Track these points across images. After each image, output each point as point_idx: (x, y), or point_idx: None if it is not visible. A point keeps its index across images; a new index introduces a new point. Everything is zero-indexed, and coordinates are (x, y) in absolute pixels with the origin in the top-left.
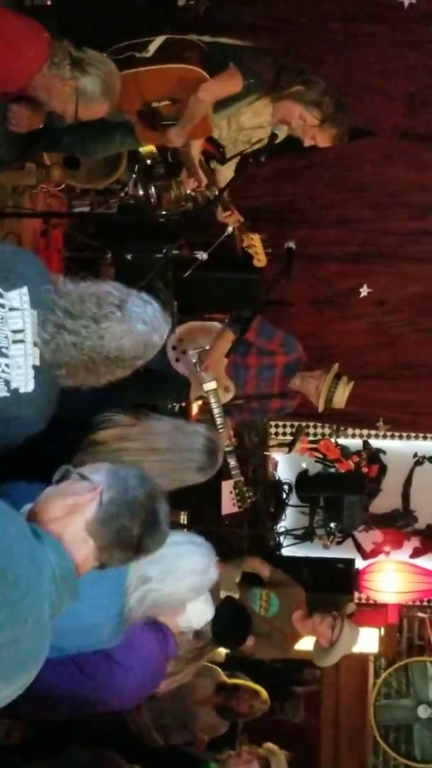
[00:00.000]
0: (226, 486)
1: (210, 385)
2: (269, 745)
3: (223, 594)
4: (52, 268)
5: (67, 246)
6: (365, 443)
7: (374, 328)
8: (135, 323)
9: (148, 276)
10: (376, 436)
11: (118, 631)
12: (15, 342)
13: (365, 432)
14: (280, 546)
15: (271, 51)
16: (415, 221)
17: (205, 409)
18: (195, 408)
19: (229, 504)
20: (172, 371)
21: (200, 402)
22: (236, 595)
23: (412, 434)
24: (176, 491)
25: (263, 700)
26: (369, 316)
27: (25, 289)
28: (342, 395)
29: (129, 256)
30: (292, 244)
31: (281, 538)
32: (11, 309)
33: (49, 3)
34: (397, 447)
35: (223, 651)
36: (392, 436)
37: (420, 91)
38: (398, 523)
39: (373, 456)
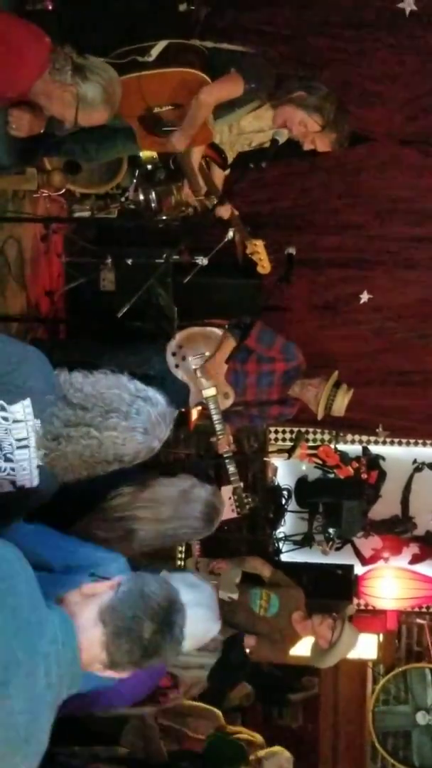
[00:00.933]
0: (225, 492)
1: (209, 392)
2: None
3: (221, 594)
4: (52, 273)
5: (67, 251)
6: (365, 449)
7: (374, 334)
8: (136, 433)
9: (148, 281)
10: (376, 443)
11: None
12: (20, 448)
13: (365, 438)
14: (279, 552)
15: (272, 57)
16: (416, 227)
17: (205, 414)
18: (194, 414)
19: (228, 510)
20: (171, 377)
21: (200, 408)
22: (235, 596)
23: (412, 440)
24: None
25: (259, 746)
26: (369, 322)
27: (27, 401)
28: (341, 403)
29: (129, 261)
30: (292, 250)
31: (280, 544)
32: (15, 421)
33: (50, 8)
34: (396, 453)
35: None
36: (392, 443)
37: (422, 97)
38: (397, 530)
39: (373, 462)
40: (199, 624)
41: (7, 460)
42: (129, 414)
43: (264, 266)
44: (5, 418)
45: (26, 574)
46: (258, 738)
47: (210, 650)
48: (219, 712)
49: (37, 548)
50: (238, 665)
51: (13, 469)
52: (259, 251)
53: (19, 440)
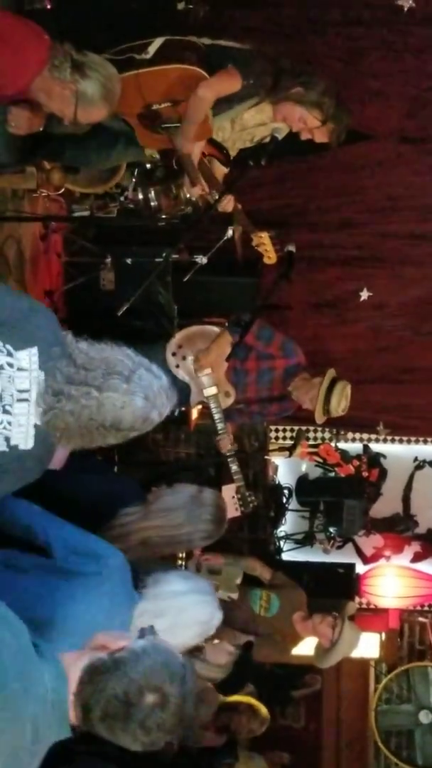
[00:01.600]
0: (227, 491)
1: (210, 391)
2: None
3: (221, 594)
4: (51, 273)
5: (67, 250)
6: (365, 447)
7: (374, 331)
8: (137, 397)
9: (147, 280)
10: (377, 440)
11: None
12: (19, 401)
13: (365, 436)
14: (280, 550)
15: (269, 53)
16: (416, 224)
17: (205, 414)
18: (195, 413)
19: (230, 508)
20: (171, 377)
21: (200, 407)
22: (235, 596)
23: (413, 438)
24: None
25: (262, 719)
26: (369, 320)
27: (35, 350)
28: (337, 404)
29: (128, 261)
30: (292, 248)
31: (281, 543)
32: (19, 369)
33: (49, 7)
34: (397, 451)
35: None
36: (392, 441)
37: (420, 95)
38: (399, 528)
39: (374, 460)
40: (199, 609)
41: (6, 412)
42: (131, 378)
43: (270, 257)
44: (10, 364)
45: (12, 632)
46: (258, 706)
47: (222, 666)
48: (216, 693)
49: (39, 527)
50: (246, 674)
51: (9, 423)
52: (264, 242)
53: (20, 391)
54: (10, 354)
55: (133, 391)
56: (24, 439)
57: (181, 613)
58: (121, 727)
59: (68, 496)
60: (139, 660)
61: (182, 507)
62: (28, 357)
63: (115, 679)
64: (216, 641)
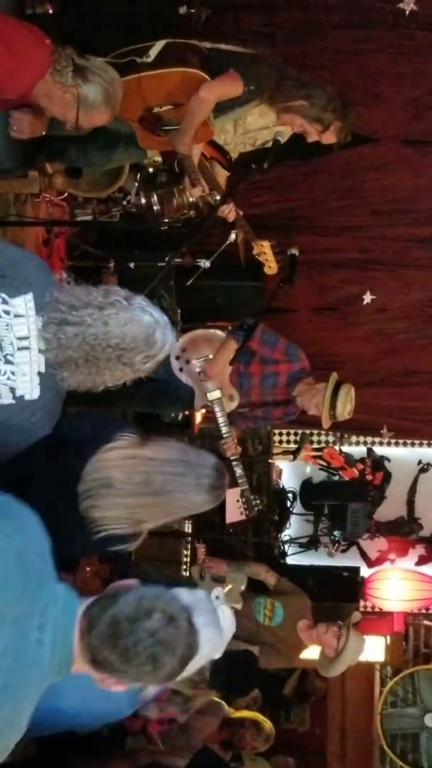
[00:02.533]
0: (231, 494)
1: (214, 394)
2: None
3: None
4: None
5: (70, 255)
6: (369, 451)
7: (377, 335)
8: (141, 313)
9: (150, 284)
10: (381, 444)
11: (135, 701)
12: (20, 349)
13: (369, 439)
14: (284, 554)
15: (272, 58)
16: (418, 227)
17: (209, 417)
18: (198, 417)
19: (234, 512)
20: (175, 381)
21: (204, 411)
22: (239, 606)
23: (417, 441)
24: None
25: (266, 736)
26: (372, 323)
27: (30, 296)
28: (343, 408)
29: (131, 265)
30: (295, 251)
31: (286, 547)
32: (16, 315)
33: (51, 11)
34: (401, 454)
35: None
36: (396, 444)
37: (422, 97)
38: (403, 531)
39: (378, 463)
40: (208, 647)
41: (8, 362)
42: (131, 299)
43: (271, 267)
44: (6, 312)
45: (39, 536)
46: (263, 722)
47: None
48: (223, 703)
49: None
50: (252, 679)
51: (13, 373)
52: (266, 252)
53: (20, 339)
54: (5, 302)
55: (135, 308)
56: (29, 389)
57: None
58: (124, 642)
59: (62, 438)
60: (147, 588)
61: (177, 446)
62: (24, 303)
63: (122, 598)
64: None
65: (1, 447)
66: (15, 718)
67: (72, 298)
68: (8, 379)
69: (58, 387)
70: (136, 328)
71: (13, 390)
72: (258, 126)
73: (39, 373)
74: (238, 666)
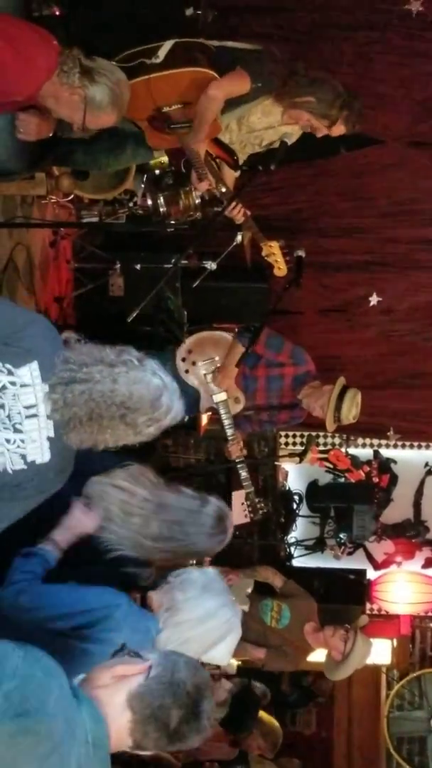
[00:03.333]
0: (237, 497)
1: (220, 397)
2: None
3: None
4: (61, 279)
5: (76, 256)
6: (376, 453)
7: (384, 336)
8: (152, 376)
9: (157, 286)
10: (387, 446)
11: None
12: (28, 417)
13: (376, 442)
14: (290, 557)
15: (278, 55)
16: (425, 229)
17: (215, 419)
18: (204, 419)
19: (240, 515)
20: (181, 383)
21: (210, 413)
22: (246, 608)
23: (423, 444)
24: None
25: (275, 738)
26: (378, 325)
27: (35, 364)
28: (348, 411)
29: (138, 267)
30: (301, 253)
31: (292, 549)
32: (22, 385)
33: (57, 13)
34: (408, 456)
35: (234, 662)
36: (403, 446)
37: (429, 99)
38: (409, 533)
39: (384, 466)
40: (225, 626)
41: (17, 431)
42: (143, 361)
43: (280, 268)
44: (12, 383)
45: (56, 679)
46: (274, 726)
47: (222, 704)
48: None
49: (42, 612)
50: (251, 712)
51: (23, 441)
52: (275, 252)
53: (27, 407)
54: (10, 372)
55: (145, 370)
56: (40, 454)
57: (205, 636)
58: (196, 724)
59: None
60: (176, 666)
61: (175, 491)
62: (29, 372)
63: (170, 691)
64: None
65: (19, 504)
66: None
67: (84, 356)
68: (18, 447)
69: (67, 447)
70: (144, 389)
71: (24, 456)
72: (263, 125)
73: (48, 438)
74: (237, 704)
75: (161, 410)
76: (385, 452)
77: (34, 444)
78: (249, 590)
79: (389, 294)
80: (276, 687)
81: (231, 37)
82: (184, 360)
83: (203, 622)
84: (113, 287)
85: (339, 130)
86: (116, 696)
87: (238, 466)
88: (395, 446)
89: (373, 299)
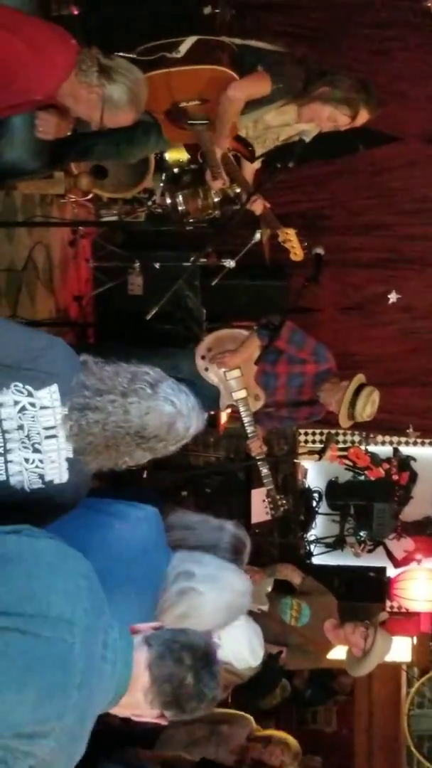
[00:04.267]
0: (257, 494)
1: (240, 394)
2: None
3: (254, 607)
4: (80, 278)
5: (95, 255)
6: (395, 450)
7: (403, 334)
8: (163, 403)
9: (175, 284)
10: (407, 443)
11: (150, 608)
12: (48, 437)
13: (395, 439)
14: (310, 554)
15: (300, 56)
16: None
17: (235, 417)
18: (224, 417)
19: (260, 512)
20: (201, 380)
21: (229, 411)
22: (265, 608)
23: None
24: (206, 500)
25: (294, 754)
26: (398, 323)
27: (54, 387)
28: (362, 409)
29: (157, 265)
30: (320, 251)
31: (312, 547)
32: (42, 407)
33: (75, 12)
34: (427, 454)
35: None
36: (423, 443)
37: None
38: (429, 531)
39: (404, 463)
40: (237, 578)
41: (36, 451)
42: (156, 386)
43: (297, 253)
44: (32, 404)
45: (98, 582)
46: (292, 741)
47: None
48: (250, 717)
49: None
50: (275, 679)
51: (41, 461)
52: (291, 239)
53: (46, 428)
54: (30, 394)
55: (158, 397)
56: (58, 474)
57: (220, 570)
58: (187, 705)
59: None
60: (180, 629)
61: (194, 526)
62: (49, 395)
63: (183, 637)
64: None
65: (37, 523)
66: (84, 725)
67: (98, 382)
68: (36, 467)
69: (86, 469)
70: (157, 419)
71: (42, 476)
72: (278, 123)
73: (67, 459)
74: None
75: (178, 434)
76: (405, 450)
77: (53, 464)
78: (269, 589)
79: (409, 291)
80: (290, 684)
81: (251, 35)
82: (203, 358)
83: (224, 567)
84: (132, 286)
85: (363, 117)
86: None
87: (259, 462)
88: (415, 444)
89: (393, 297)
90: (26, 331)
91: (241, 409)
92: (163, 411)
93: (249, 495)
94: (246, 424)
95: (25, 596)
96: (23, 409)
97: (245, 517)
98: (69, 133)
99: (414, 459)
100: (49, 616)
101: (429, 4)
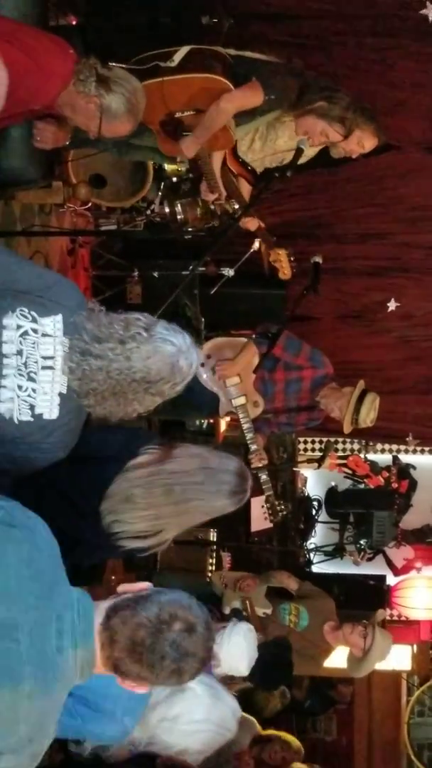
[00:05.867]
0: (256, 503)
1: (239, 401)
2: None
3: (259, 611)
4: (79, 287)
5: (94, 264)
6: (395, 458)
7: (402, 342)
8: (162, 344)
9: (174, 293)
10: (406, 451)
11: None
12: (44, 368)
13: (395, 447)
14: (310, 563)
15: (296, 67)
16: None
17: (234, 425)
18: (223, 424)
19: (259, 520)
20: (200, 387)
21: (228, 419)
22: (269, 611)
23: None
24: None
25: (296, 750)
26: (397, 331)
27: (59, 317)
28: (366, 415)
29: (156, 274)
30: (319, 259)
31: (311, 555)
32: (44, 335)
33: (74, 22)
34: (427, 462)
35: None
36: (422, 451)
37: None
38: (429, 539)
39: (403, 471)
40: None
41: (30, 379)
42: (150, 329)
43: (285, 273)
44: (35, 330)
45: (49, 544)
46: (291, 738)
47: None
48: (254, 720)
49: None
50: (285, 668)
51: (34, 391)
52: (281, 259)
53: (45, 358)
54: (34, 320)
55: (155, 339)
56: (48, 408)
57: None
58: (149, 656)
59: (86, 454)
60: (162, 593)
61: (200, 454)
62: (53, 323)
63: (141, 609)
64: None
65: (17, 464)
66: (44, 725)
67: (95, 329)
68: (29, 396)
69: (78, 409)
70: (159, 360)
71: (32, 407)
72: (287, 147)
73: (60, 394)
74: (272, 656)
75: (182, 372)
76: (405, 458)
77: (45, 396)
78: (262, 595)
79: (407, 299)
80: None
81: (248, 45)
82: (202, 365)
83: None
84: (131, 295)
85: (368, 142)
86: (104, 603)
87: (258, 470)
88: (414, 452)
89: (392, 305)
90: (40, 267)
91: (241, 416)
92: (165, 352)
93: (248, 503)
94: (245, 431)
95: None
96: (25, 333)
97: (245, 525)
98: (66, 143)
99: (413, 467)
100: None
101: (427, 13)
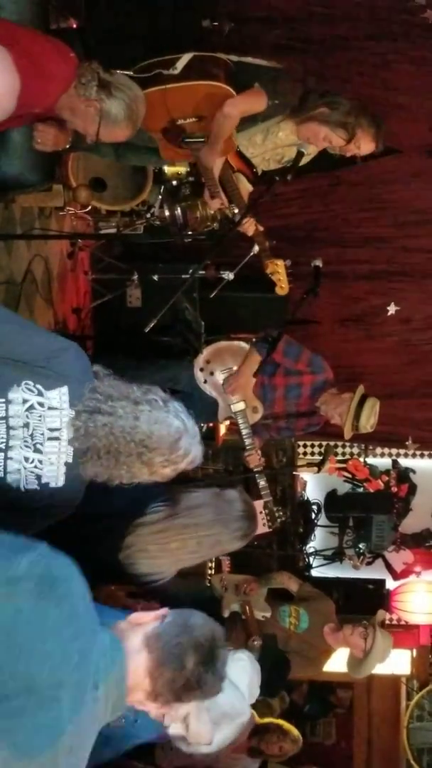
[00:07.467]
0: (256, 507)
1: (238, 406)
2: None
3: (258, 615)
4: (78, 290)
5: (94, 268)
6: (394, 462)
7: (402, 346)
8: (174, 417)
9: (174, 296)
10: (406, 455)
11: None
12: (50, 439)
13: (394, 451)
14: (309, 566)
15: (297, 73)
16: None
17: (233, 429)
18: (222, 429)
19: (259, 524)
20: (199, 392)
21: (227, 423)
22: (268, 614)
23: None
24: None
25: (293, 739)
26: (397, 334)
27: (65, 389)
28: (366, 420)
29: (155, 277)
30: (319, 263)
31: (311, 559)
32: (50, 408)
33: (75, 26)
34: (426, 466)
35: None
36: (422, 455)
37: None
38: (429, 543)
39: (403, 475)
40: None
41: (37, 451)
42: (167, 402)
43: (282, 287)
44: (41, 404)
45: (83, 589)
46: (288, 727)
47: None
48: (252, 711)
49: None
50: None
51: (40, 462)
52: (279, 271)
53: (51, 430)
54: (40, 393)
55: (168, 411)
56: (55, 477)
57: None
58: (212, 669)
59: (97, 510)
60: (191, 615)
61: (208, 503)
62: (59, 396)
63: (186, 633)
64: None
65: (24, 525)
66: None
67: (111, 390)
68: (35, 467)
69: (82, 476)
70: (164, 429)
71: (38, 477)
72: (288, 142)
73: (66, 464)
74: (270, 668)
75: (179, 453)
76: (404, 462)
77: (51, 467)
78: (263, 598)
79: (407, 303)
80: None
81: (249, 50)
82: (202, 370)
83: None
84: (131, 298)
85: (366, 145)
86: (133, 637)
87: (257, 475)
88: (414, 456)
89: (392, 309)
90: (44, 332)
91: (240, 421)
92: (172, 424)
93: None
94: (244, 436)
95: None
96: (31, 407)
97: None
98: (67, 146)
99: (413, 471)
100: (34, 688)
101: (427, 17)
